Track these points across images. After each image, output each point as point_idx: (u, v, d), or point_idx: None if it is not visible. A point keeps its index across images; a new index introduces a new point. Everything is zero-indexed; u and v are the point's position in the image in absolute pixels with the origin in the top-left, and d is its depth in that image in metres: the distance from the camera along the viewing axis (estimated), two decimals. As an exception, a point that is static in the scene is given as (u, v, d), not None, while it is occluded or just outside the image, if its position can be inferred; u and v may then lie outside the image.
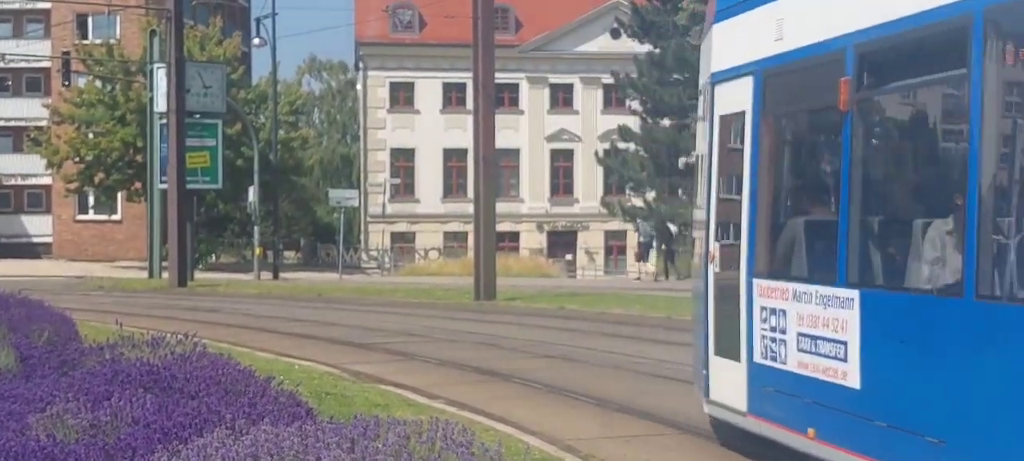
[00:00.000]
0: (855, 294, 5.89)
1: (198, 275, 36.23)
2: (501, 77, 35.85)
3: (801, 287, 6.49)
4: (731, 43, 7.64)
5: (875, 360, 5.95)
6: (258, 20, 42.73)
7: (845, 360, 6.01)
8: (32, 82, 53.37)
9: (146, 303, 25.66)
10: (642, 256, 41.36)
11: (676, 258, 38.16)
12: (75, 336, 12.15)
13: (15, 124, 53.46)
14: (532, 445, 8.20)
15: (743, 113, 7.26)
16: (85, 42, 47.02)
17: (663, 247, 40.09)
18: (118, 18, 48.03)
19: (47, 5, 48.82)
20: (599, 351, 15.74)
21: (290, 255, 51.50)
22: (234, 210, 45.10)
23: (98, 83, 43.83)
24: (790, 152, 7.43)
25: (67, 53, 41.63)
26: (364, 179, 52.87)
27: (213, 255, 48.48)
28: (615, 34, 46.75)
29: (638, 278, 39.86)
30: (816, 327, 6.31)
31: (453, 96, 49.79)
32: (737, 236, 7.51)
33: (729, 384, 7.39)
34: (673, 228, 39.64)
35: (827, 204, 6.65)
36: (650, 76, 40.60)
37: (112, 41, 45.78)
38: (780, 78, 6.93)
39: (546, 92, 52.64)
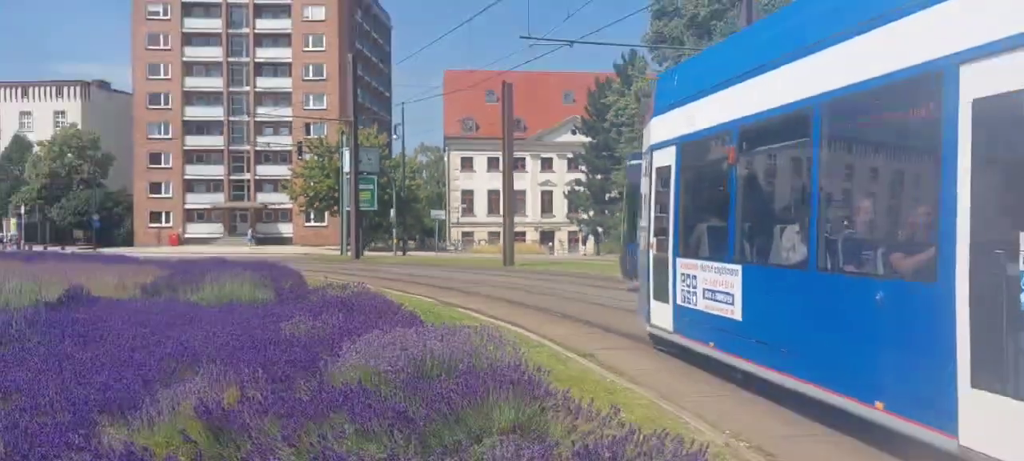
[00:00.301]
0: (739, 267, 8.46)
1: (366, 253, 49.83)
2: (517, 154, 56.61)
3: (705, 262, 9.27)
4: (662, 128, 10.73)
5: (749, 304, 8.29)
6: (395, 126, 65.45)
7: (731, 304, 8.53)
8: (284, 156, 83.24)
9: (339, 267, 31.86)
10: (585, 243, 64.99)
11: (601, 244, 59.61)
12: (304, 283, 15.97)
13: (276, 178, 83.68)
14: (532, 337, 11.40)
15: (669, 166, 10.37)
16: (308, 137, 73.52)
17: (595, 239, 63.05)
18: (325, 125, 76.01)
19: (290, 119, 79.86)
20: (565, 290, 20.37)
21: (412, 243, 69.10)
22: (383, 220, 62.21)
23: (316, 157, 67.98)
24: (696, 187, 10.29)
25: (300, 143, 67.27)
26: (448, 204, 75.90)
27: (371, 244, 63.56)
28: (574, 132, 69.61)
29: (584, 255, 61.79)
30: (715, 286, 8.93)
31: (493, 163, 70.62)
32: (665, 234, 10.56)
33: (662, 316, 10.65)
34: (600, 229, 61.38)
35: (721, 215, 9.18)
36: (590, 153, 62.23)
37: (322, 136, 71.90)
38: (690, 146, 9.89)
39: (539, 161, 77.43)
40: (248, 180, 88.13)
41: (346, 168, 50.27)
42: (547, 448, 4.50)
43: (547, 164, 78.99)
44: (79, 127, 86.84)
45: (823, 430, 7.04)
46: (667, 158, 10.38)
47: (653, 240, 10.97)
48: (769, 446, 6.33)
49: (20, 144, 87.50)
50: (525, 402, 5.51)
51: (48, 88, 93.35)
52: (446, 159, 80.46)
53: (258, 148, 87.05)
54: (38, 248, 55.25)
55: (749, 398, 8.35)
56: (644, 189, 11.51)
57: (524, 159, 72.23)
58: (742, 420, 7.21)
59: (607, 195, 56.83)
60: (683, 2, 46.11)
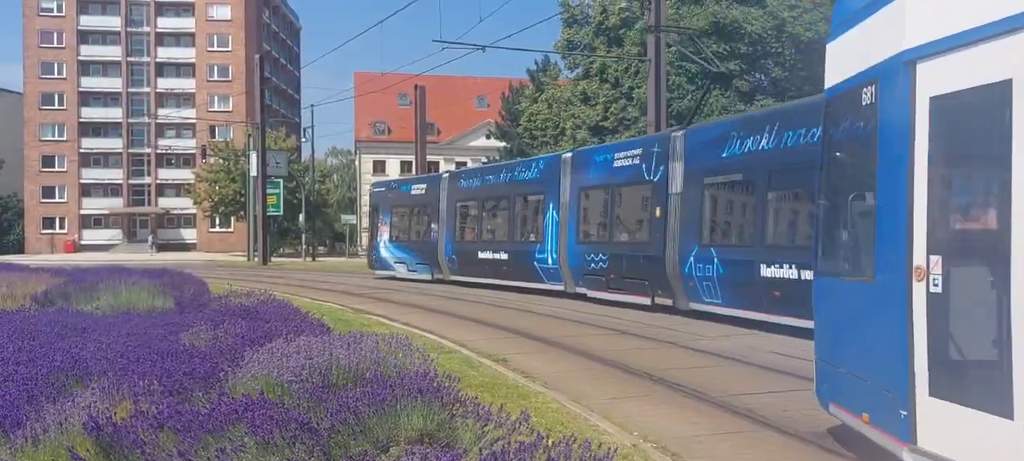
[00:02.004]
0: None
1: (274, 259, 50.26)
2: (431, 157, 57.84)
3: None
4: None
5: None
6: (304, 129, 63.93)
7: None
8: (187, 159, 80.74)
9: (245, 274, 32.80)
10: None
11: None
12: (207, 290, 15.69)
13: (178, 182, 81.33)
14: (444, 343, 11.32)
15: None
16: (214, 139, 71.44)
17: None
18: (231, 127, 74.07)
19: (194, 120, 77.84)
20: (480, 295, 20.98)
21: (322, 249, 68.20)
22: (292, 225, 59.75)
23: (221, 160, 64.86)
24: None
25: (205, 146, 66.02)
26: (360, 208, 70.46)
27: (280, 249, 62.72)
28: (488, 137, 67.99)
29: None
30: None
31: (406, 166, 70.05)
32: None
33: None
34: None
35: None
36: (505, 157, 57.94)
37: (228, 139, 69.86)
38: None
39: (454, 165, 72.93)
40: (149, 184, 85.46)
41: (253, 172, 49.94)
42: (455, 456, 4.45)
43: (462, 168, 78.60)
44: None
45: (729, 428, 7.17)
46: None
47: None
48: (675, 446, 6.43)
49: None
50: (434, 410, 5.45)
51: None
52: (358, 163, 79.39)
53: (160, 151, 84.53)
54: (-83, 256, 52.22)
55: (657, 400, 8.46)
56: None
57: (438, 163, 71.45)
58: (650, 422, 7.29)
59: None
60: (592, 11, 46.87)
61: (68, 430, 5.45)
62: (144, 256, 60.51)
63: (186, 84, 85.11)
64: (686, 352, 11.66)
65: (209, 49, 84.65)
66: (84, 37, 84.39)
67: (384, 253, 30.46)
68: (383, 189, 32.78)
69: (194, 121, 78.20)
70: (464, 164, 74.12)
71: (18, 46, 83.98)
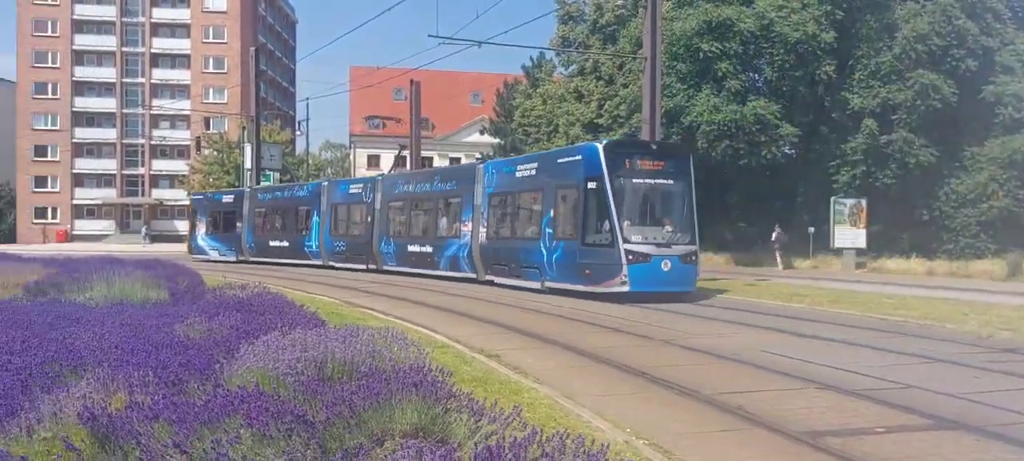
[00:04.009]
0: None
1: None
2: (425, 152, 56.59)
3: None
4: None
5: None
6: (299, 122, 65.32)
7: None
8: (181, 151, 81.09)
9: (238, 266, 34.07)
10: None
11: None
12: (201, 282, 15.83)
13: (172, 173, 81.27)
14: (437, 338, 11.39)
15: None
16: (208, 131, 71.42)
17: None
18: (226, 119, 73.93)
19: (188, 112, 77.58)
20: (475, 291, 21.03)
21: None
22: None
23: (215, 152, 65.70)
24: None
25: (199, 137, 65.89)
26: None
27: None
28: (482, 133, 68.33)
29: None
30: None
31: (401, 161, 70.71)
32: None
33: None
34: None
35: None
36: (498, 153, 59.26)
37: (222, 131, 70.19)
38: None
39: (447, 160, 74.40)
40: (143, 175, 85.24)
41: (247, 164, 49.78)
42: (449, 451, 4.48)
43: (455, 164, 78.38)
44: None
45: (720, 425, 7.21)
46: None
47: None
48: (667, 443, 6.47)
49: None
50: (428, 404, 5.47)
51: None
52: (352, 157, 79.24)
53: (154, 142, 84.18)
54: (-92, 244, 52.22)
55: (649, 397, 8.49)
56: None
57: (432, 158, 71.33)
58: (641, 418, 7.32)
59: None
60: (587, 8, 46.92)
61: (63, 420, 5.45)
62: (137, 247, 60.25)
63: (181, 75, 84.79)
64: (678, 350, 11.69)
65: (205, 40, 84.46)
66: (79, 26, 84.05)
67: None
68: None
69: (189, 113, 78.08)
70: (458, 160, 73.57)
71: (12, 34, 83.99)
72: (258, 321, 9.20)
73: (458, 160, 70.77)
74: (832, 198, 30.72)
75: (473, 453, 4.48)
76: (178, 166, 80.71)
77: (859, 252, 30.30)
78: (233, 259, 38.26)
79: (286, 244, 35.63)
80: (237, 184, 58.34)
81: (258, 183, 48.55)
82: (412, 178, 30.30)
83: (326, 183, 35.35)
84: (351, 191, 32.52)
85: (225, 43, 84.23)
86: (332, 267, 31.88)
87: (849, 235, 30.04)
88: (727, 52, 32.70)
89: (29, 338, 8.34)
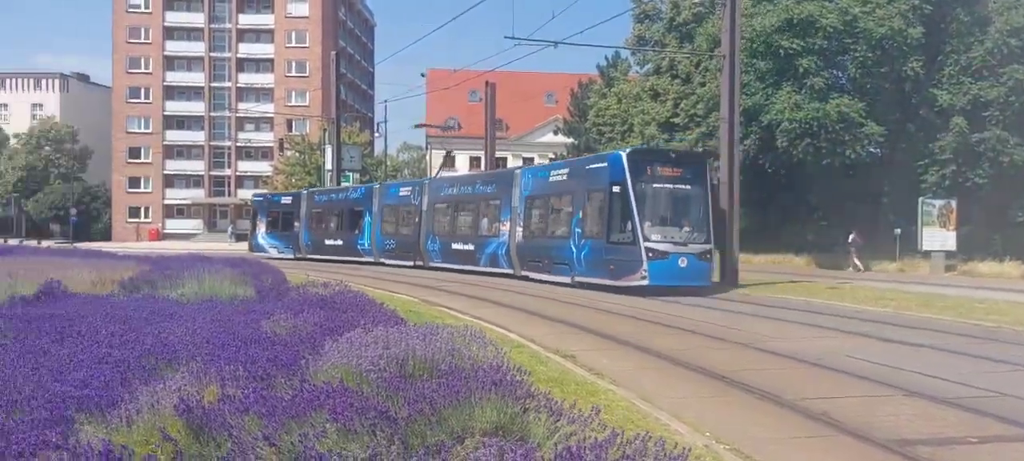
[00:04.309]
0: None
1: None
2: (499, 153, 57.32)
3: None
4: None
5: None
6: (377, 124, 66.58)
7: None
8: (265, 153, 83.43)
9: (319, 265, 34.01)
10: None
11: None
12: (284, 280, 16.33)
13: (256, 174, 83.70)
14: (512, 337, 11.53)
15: None
16: (290, 133, 73.60)
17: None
18: (307, 122, 75.87)
19: (272, 115, 79.99)
20: (542, 292, 20.71)
21: None
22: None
23: (297, 154, 67.50)
24: None
25: (282, 139, 68.14)
26: None
27: None
28: (555, 133, 68.86)
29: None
30: None
31: (475, 162, 70.71)
32: None
33: None
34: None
35: None
36: (572, 153, 59.05)
37: (304, 133, 71.83)
38: None
39: (520, 159, 72.99)
40: (229, 176, 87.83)
41: (328, 165, 50.91)
42: (529, 450, 4.51)
43: (529, 164, 78.22)
44: (57, 120, 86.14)
45: (804, 432, 7.06)
46: None
47: None
48: (749, 449, 6.35)
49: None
50: (507, 403, 5.51)
51: (26, 80, 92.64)
52: (428, 158, 79.78)
53: (239, 144, 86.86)
54: (13, 242, 54.71)
55: (728, 400, 8.38)
56: None
57: (506, 158, 71.17)
58: (721, 423, 7.21)
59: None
60: (664, 6, 46.46)
61: (160, 411, 5.66)
62: (224, 245, 61.83)
63: (265, 79, 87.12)
64: (756, 353, 11.48)
65: (287, 45, 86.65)
66: (169, 33, 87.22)
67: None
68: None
69: (272, 115, 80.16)
70: (531, 160, 74.28)
71: (108, 42, 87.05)
72: (341, 318, 9.36)
73: (532, 161, 70.76)
74: (920, 199, 29.79)
75: (553, 453, 4.51)
76: (262, 167, 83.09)
77: (948, 255, 29.27)
78: (290, 256, 39.91)
79: (340, 242, 37.83)
80: (318, 185, 60.04)
81: (338, 184, 50.08)
82: (456, 182, 32.78)
83: (377, 186, 37.62)
84: (401, 194, 34.50)
85: (307, 47, 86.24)
86: (382, 264, 33.72)
87: (938, 237, 29.03)
88: (809, 48, 31.98)
89: (127, 332, 8.70)
